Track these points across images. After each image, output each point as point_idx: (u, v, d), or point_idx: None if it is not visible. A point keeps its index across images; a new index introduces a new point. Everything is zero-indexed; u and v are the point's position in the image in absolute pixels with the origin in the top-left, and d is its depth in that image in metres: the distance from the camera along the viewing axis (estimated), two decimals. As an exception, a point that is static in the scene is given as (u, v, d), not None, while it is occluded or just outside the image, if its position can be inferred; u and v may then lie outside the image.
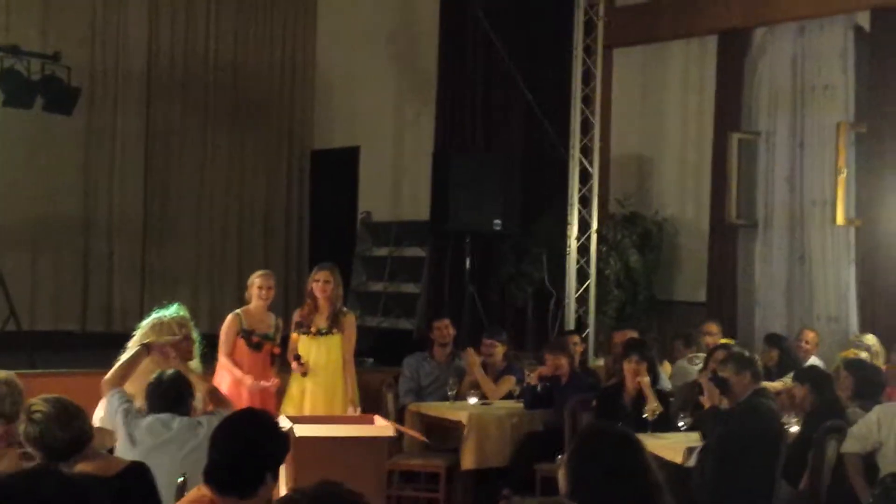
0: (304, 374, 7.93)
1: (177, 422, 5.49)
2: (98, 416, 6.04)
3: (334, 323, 8.00)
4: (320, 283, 7.98)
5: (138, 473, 4.48)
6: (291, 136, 14.19)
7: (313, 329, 7.97)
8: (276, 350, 8.07)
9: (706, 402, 6.97)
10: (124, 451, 5.34)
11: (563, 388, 8.38)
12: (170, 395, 5.59)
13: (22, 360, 9.07)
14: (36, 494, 2.85)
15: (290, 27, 14.20)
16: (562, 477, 3.51)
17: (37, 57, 10.74)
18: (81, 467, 4.41)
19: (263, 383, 7.84)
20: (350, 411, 7.86)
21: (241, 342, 7.92)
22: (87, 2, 12.86)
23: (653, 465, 3.53)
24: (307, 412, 7.70)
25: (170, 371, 5.75)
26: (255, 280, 8.08)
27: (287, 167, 14.14)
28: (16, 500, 2.82)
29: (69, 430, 4.42)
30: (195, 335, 6.51)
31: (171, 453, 5.32)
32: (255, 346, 7.95)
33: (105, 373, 6.22)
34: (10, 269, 10.14)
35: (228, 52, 13.76)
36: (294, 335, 8.05)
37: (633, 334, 8.88)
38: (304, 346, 8.01)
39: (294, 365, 7.95)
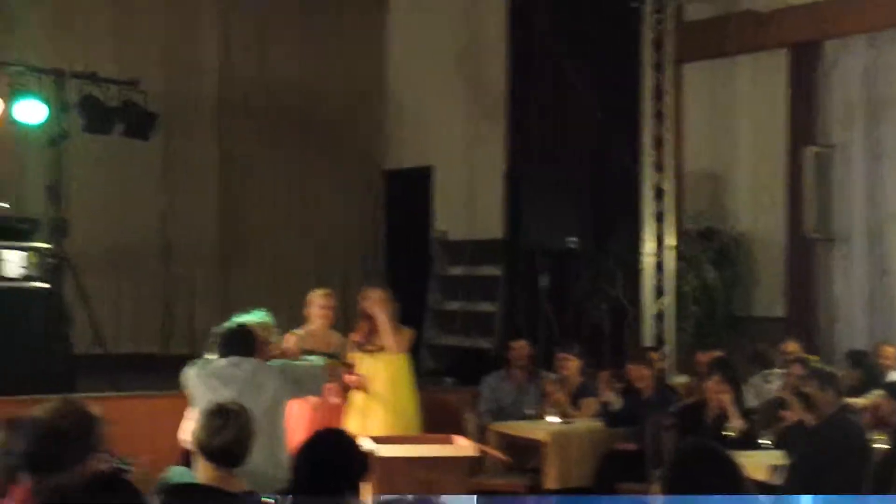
0: (359, 388, 7.78)
1: (247, 363, 5.95)
2: (186, 429, 6.24)
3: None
4: (369, 302, 7.87)
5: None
6: (364, 157, 14.26)
7: (373, 347, 7.86)
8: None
9: (790, 416, 6.91)
10: (203, 397, 5.69)
11: (646, 402, 8.32)
12: (235, 341, 6.07)
13: (106, 382, 9.23)
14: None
15: (360, 48, 14.29)
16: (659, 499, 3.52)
17: (114, 83, 10.89)
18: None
19: (332, 399, 7.74)
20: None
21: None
22: (161, 28, 13.06)
23: (749, 483, 3.55)
24: (371, 430, 7.57)
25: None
26: (316, 299, 7.98)
27: (361, 188, 14.20)
28: None
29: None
30: (276, 339, 6.63)
31: (246, 394, 5.71)
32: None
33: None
34: (93, 293, 10.29)
35: (300, 74, 13.87)
36: (351, 355, 7.93)
37: (719, 354, 8.81)
38: (365, 364, 7.91)
39: (349, 378, 7.80)
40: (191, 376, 6.08)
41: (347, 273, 13.75)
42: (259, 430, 5.71)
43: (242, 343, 6.08)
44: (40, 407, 3.79)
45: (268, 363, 6.18)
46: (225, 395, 5.67)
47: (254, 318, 6.63)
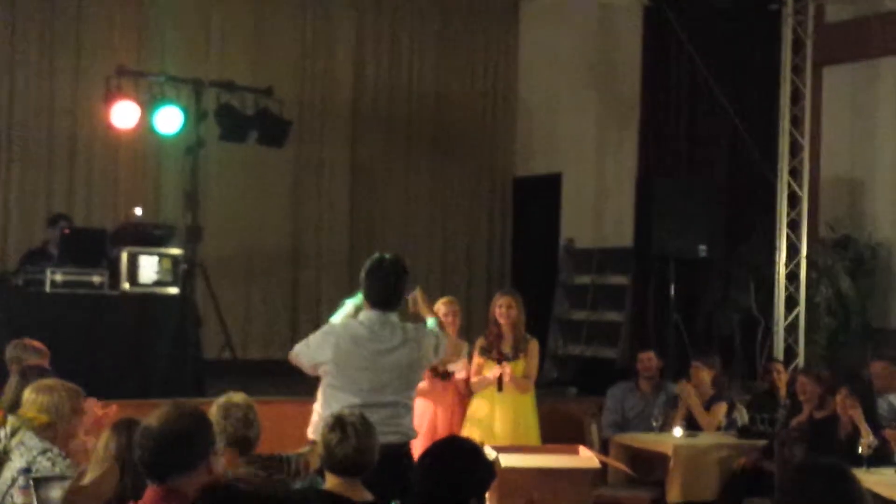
0: (500, 388, 7.66)
1: (394, 318, 5.85)
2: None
3: (518, 349, 7.80)
4: (503, 309, 7.80)
5: None
6: (493, 164, 14.28)
7: (497, 354, 7.77)
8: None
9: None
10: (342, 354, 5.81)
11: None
12: (388, 283, 5.82)
13: (235, 387, 9.35)
14: None
15: (491, 56, 14.31)
16: None
17: (250, 92, 11.07)
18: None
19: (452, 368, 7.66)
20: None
21: (428, 373, 7.37)
22: (296, 37, 13.27)
23: (868, 501, 3.45)
24: (494, 438, 7.46)
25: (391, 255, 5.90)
26: (441, 307, 7.77)
27: (489, 194, 14.23)
28: None
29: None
30: None
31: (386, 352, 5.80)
32: (443, 376, 7.76)
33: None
34: (224, 299, 10.47)
35: (430, 82, 13.97)
36: (478, 359, 7.85)
37: (885, 365, 8.48)
38: (488, 371, 7.80)
39: (496, 369, 7.67)
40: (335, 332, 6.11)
41: (472, 279, 13.75)
42: (387, 384, 5.74)
43: (394, 296, 5.92)
44: (154, 414, 3.84)
45: (412, 327, 6.08)
46: (364, 353, 5.79)
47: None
